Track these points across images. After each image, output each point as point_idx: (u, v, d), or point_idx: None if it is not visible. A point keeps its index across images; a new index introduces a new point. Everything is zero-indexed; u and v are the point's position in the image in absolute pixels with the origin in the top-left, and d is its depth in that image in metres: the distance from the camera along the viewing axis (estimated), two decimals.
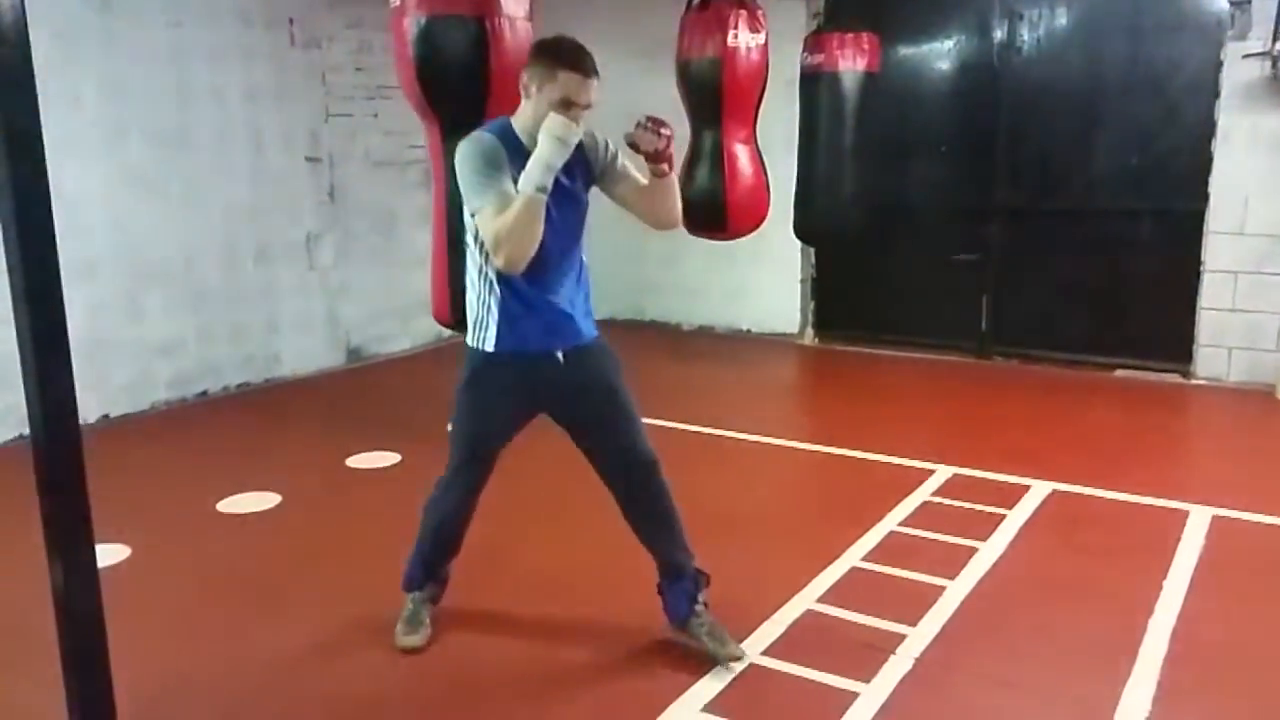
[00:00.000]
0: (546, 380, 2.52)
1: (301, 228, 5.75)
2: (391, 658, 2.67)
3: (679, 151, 5.18)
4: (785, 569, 3.13)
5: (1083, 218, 5.76)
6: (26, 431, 1.86)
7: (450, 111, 3.77)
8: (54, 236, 1.72)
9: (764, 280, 6.75)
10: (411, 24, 3.72)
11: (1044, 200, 5.87)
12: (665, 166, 2.44)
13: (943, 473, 4.03)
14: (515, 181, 2.31)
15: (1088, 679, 2.53)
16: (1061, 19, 5.70)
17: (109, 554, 3.26)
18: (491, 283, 2.47)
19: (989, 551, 3.27)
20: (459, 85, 3.74)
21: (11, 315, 1.73)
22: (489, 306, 2.49)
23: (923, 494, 3.81)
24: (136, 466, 4.28)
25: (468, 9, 3.68)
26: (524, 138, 2.40)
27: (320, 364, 5.92)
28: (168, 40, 4.99)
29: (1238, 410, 5.06)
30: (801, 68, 5.49)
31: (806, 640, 2.72)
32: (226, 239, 5.37)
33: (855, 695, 2.44)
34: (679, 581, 2.64)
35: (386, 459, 4.29)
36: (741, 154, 5.22)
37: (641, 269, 7.15)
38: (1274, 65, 4.97)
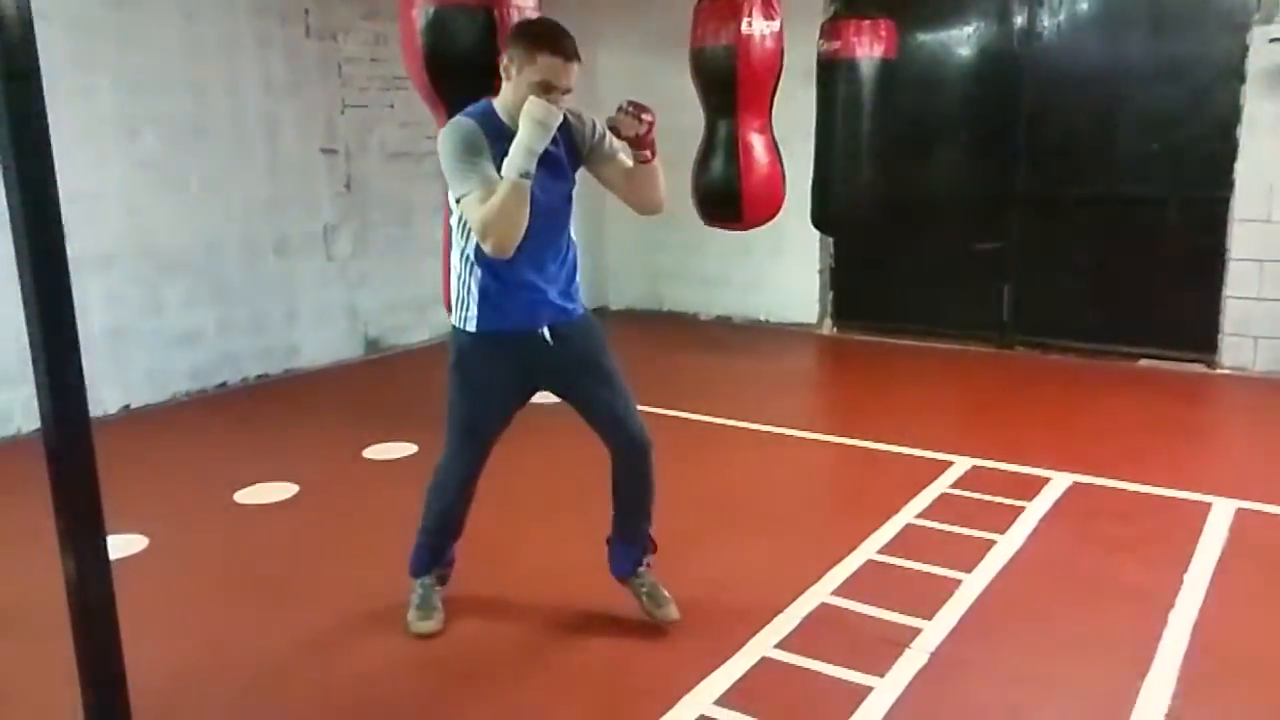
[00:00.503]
0: (533, 358, 2.54)
1: (319, 219, 5.77)
2: (407, 647, 2.67)
3: (693, 142, 5.15)
4: (800, 561, 3.11)
5: (1105, 206, 5.68)
6: None
7: (459, 101, 3.75)
8: (62, 227, 1.72)
9: (782, 270, 6.71)
10: (420, 13, 3.72)
11: (1066, 188, 5.80)
12: (648, 153, 2.44)
13: (961, 464, 3.99)
14: (500, 162, 2.30)
15: (1106, 674, 2.49)
16: (1083, 3, 5.62)
17: (128, 544, 3.29)
18: (471, 263, 2.49)
19: (1007, 544, 3.24)
20: (467, 74, 3.71)
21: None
22: (469, 287, 2.51)
23: (941, 486, 3.77)
24: (156, 457, 4.32)
25: None
26: (506, 119, 2.39)
27: (338, 355, 5.95)
28: (182, 32, 5.01)
29: (1263, 400, 4.98)
30: (817, 55, 5.42)
31: (821, 633, 2.70)
32: (245, 231, 5.39)
33: (870, 689, 2.42)
34: (631, 546, 2.73)
35: (404, 450, 4.30)
36: (757, 143, 5.17)
37: (659, 259, 7.14)
38: None
